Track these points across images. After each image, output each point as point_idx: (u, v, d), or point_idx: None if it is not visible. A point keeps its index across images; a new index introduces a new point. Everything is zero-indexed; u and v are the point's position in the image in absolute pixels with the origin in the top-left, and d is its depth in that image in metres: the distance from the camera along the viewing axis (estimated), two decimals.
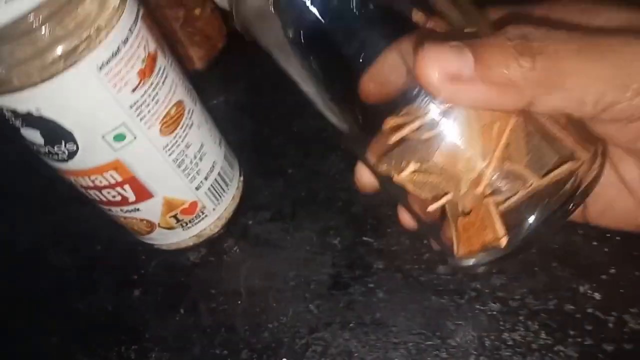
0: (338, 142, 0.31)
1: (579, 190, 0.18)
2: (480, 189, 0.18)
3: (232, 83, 0.43)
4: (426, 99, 0.18)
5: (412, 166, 0.19)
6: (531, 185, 0.18)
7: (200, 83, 0.41)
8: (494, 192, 0.18)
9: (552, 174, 0.18)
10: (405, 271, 0.29)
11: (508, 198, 0.18)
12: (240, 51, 0.41)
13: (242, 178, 0.33)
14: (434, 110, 0.18)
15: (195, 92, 0.29)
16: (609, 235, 0.27)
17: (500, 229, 0.18)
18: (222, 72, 0.43)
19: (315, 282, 0.30)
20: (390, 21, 0.20)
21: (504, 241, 0.18)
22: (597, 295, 0.26)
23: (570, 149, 0.18)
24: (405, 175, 0.19)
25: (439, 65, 0.16)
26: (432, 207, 0.19)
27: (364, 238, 0.31)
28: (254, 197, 0.34)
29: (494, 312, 0.27)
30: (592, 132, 0.20)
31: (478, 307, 0.27)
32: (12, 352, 0.32)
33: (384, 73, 0.19)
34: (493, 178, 0.18)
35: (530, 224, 0.18)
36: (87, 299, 0.33)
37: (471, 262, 0.20)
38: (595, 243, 0.27)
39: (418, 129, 0.18)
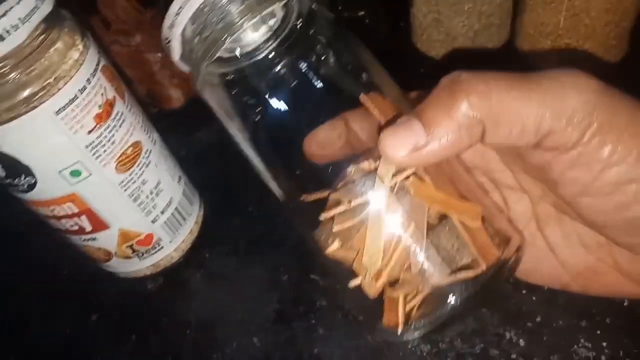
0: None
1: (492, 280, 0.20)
2: (379, 283, 0.20)
3: (207, 122, 0.45)
4: (357, 183, 0.20)
5: (335, 244, 0.21)
6: (433, 282, 0.20)
7: (177, 122, 0.44)
8: (396, 286, 0.20)
9: (455, 276, 0.20)
10: (345, 310, 0.30)
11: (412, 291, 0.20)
12: None
13: (202, 213, 0.35)
14: (359, 197, 0.20)
15: (155, 132, 0.31)
16: (537, 285, 0.28)
17: (398, 316, 0.20)
18: (199, 111, 0.45)
19: (261, 317, 0.31)
20: (322, 99, 0.22)
21: (399, 329, 0.20)
22: (521, 342, 0.27)
23: (474, 256, 0.20)
24: (330, 251, 0.21)
25: (398, 146, 0.18)
26: (350, 284, 0.21)
27: (311, 276, 0.32)
28: (213, 232, 0.36)
29: (424, 353, 0.28)
30: (506, 232, 0.21)
31: (410, 347, 0.28)
32: None
33: (325, 136, 0.22)
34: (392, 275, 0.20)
35: (449, 305, 0.20)
36: (48, 324, 0.34)
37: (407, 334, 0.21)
38: (524, 291, 0.29)
39: (344, 212, 0.20)
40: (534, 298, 0.29)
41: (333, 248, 0.21)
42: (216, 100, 0.22)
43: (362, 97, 0.21)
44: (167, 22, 0.19)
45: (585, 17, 0.33)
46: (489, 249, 0.20)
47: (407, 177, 0.20)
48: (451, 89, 0.18)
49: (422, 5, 0.38)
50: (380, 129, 0.19)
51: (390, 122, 0.19)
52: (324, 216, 0.21)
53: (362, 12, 0.47)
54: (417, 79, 0.41)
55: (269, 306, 0.32)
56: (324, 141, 0.22)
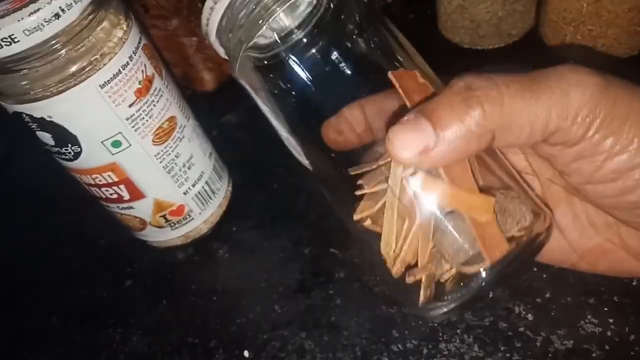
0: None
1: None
2: (396, 268, 0.21)
3: (237, 105, 0.47)
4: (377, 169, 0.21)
5: (365, 212, 0.22)
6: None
7: (209, 103, 0.46)
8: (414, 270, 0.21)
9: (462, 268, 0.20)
10: (362, 281, 0.32)
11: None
12: None
13: (230, 188, 0.37)
14: (379, 184, 0.21)
15: (189, 110, 0.33)
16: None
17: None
18: (230, 94, 0.48)
19: (283, 286, 0.33)
20: (355, 82, 0.23)
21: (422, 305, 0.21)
22: (529, 316, 0.28)
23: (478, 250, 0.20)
24: (357, 217, 0.22)
25: (406, 146, 0.18)
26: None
27: (331, 249, 0.34)
28: (240, 207, 0.38)
29: (435, 325, 0.29)
30: (537, 208, 0.22)
31: (422, 319, 0.30)
32: (20, 327, 0.36)
33: (342, 124, 0.22)
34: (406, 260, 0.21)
35: (476, 283, 0.20)
36: (87, 287, 0.37)
37: (433, 311, 0.21)
38: (535, 269, 0.30)
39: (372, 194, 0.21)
40: (544, 275, 0.30)
41: (362, 214, 0.22)
42: (253, 84, 0.23)
43: (390, 74, 0.21)
44: (207, 6, 0.20)
45: (609, 3, 0.34)
46: (498, 243, 0.20)
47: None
48: (465, 95, 0.18)
49: None
50: (394, 118, 0.19)
51: (414, 107, 0.19)
52: (358, 192, 0.22)
53: (389, 0, 0.48)
54: (443, 66, 0.42)
55: (291, 277, 0.33)
56: (339, 127, 0.23)
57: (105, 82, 0.26)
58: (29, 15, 0.23)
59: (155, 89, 0.29)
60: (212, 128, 0.40)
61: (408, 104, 0.20)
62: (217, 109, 0.46)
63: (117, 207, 0.32)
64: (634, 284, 0.28)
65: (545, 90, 0.18)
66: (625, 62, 0.37)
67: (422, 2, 0.46)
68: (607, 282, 0.28)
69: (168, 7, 0.42)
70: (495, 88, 0.18)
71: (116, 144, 0.28)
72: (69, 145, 0.28)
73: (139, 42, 0.28)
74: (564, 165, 0.20)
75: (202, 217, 0.35)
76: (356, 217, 0.22)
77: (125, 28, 0.27)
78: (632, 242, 0.23)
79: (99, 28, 0.26)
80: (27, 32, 0.23)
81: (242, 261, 0.36)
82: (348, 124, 0.23)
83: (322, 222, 0.36)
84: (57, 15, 0.24)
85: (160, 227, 0.34)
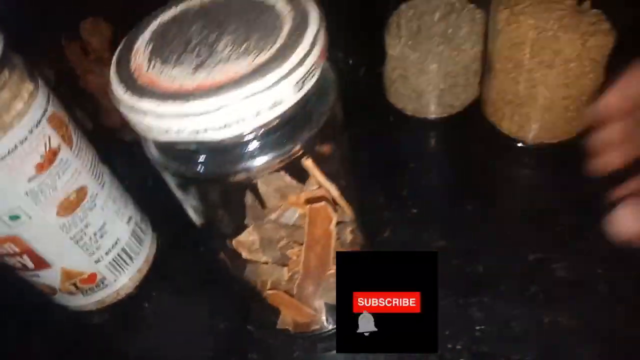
0: None
1: None
2: None
3: None
4: None
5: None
6: None
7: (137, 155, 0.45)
8: None
9: None
10: None
11: None
12: None
13: (154, 250, 0.36)
14: None
15: (107, 173, 0.32)
16: None
17: None
18: None
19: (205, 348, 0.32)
20: None
21: None
22: None
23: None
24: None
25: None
26: None
27: (248, 327, 0.33)
28: (165, 269, 0.36)
29: None
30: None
31: None
32: None
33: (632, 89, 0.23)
34: None
35: None
36: None
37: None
38: None
39: None
40: None
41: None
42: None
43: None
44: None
45: (544, 89, 0.33)
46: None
47: None
48: None
49: (390, 60, 0.39)
50: None
51: None
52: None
53: (344, 55, 0.48)
54: (386, 128, 0.41)
55: (202, 353, 0.32)
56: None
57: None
58: None
59: (61, 160, 0.28)
60: (148, 178, 0.38)
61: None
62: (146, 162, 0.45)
63: (24, 274, 0.31)
64: None
65: None
66: (562, 145, 0.36)
67: (375, 61, 0.46)
68: None
69: (106, 52, 0.41)
70: None
71: (14, 217, 0.27)
72: None
73: (44, 113, 0.27)
74: None
75: (118, 284, 0.34)
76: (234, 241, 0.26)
77: (26, 98, 0.26)
78: None
79: None
80: None
81: (157, 329, 0.34)
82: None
83: (249, 292, 0.34)
84: None
85: (71, 293, 0.32)
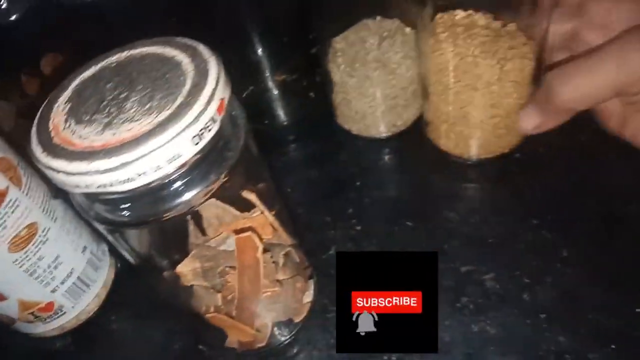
0: None
1: None
2: None
3: None
4: None
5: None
6: None
7: None
8: None
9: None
10: None
11: None
12: None
13: (112, 276, 0.38)
14: None
15: (60, 208, 0.33)
16: None
17: None
18: None
19: None
20: None
21: None
22: None
23: None
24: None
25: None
26: None
27: (199, 347, 0.34)
28: (123, 293, 0.38)
29: None
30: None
31: None
32: None
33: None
34: None
35: None
36: None
37: None
38: None
39: None
40: None
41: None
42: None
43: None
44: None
45: (473, 109, 0.35)
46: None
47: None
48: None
49: (334, 85, 0.41)
50: None
51: None
52: None
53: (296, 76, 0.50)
54: (335, 147, 0.43)
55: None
56: None
57: None
58: None
59: (10, 200, 0.29)
60: None
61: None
62: None
63: None
64: None
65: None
66: (499, 159, 0.38)
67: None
68: None
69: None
70: None
71: None
72: None
73: None
74: None
75: (76, 310, 0.35)
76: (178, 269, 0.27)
77: None
78: None
79: None
80: None
81: (116, 353, 0.36)
82: None
83: (195, 315, 0.36)
84: None
85: (30, 322, 0.34)
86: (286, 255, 0.30)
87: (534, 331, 0.30)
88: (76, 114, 0.21)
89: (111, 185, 0.19)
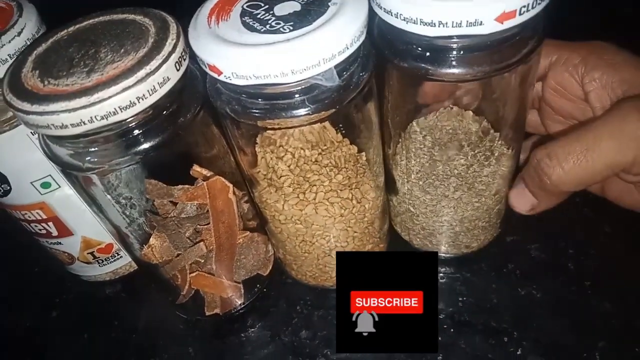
0: None
1: None
2: None
3: None
4: None
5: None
6: None
7: None
8: None
9: None
10: None
11: None
12: None
13: None
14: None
15: None
16: None
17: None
18: None
19: (200, 330, 0.35)
20: None
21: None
22: None
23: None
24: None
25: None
26: None
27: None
28: None
29: None
30: None
31: None
32: None
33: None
34: None
35: None
36: (12, 315, 0.38)
37: None
38: None
39: None
40: None
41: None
42: None
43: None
44: None
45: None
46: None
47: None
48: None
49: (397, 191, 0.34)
50: None
51: None
52: None
53: None
54: None
55: (208, 321, 0.35)
56: None
57: None
58: None
59: None
60: None
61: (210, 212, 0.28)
62: None
63: (46, 241, 0.34)
64: None
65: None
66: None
67: None
68: None
69: None
70: None
71: (45, 185, 0.30)
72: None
73: None
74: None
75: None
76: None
77: None
78: None
79: None
80: None
81: (164, 302, 0.37)
82: None
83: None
84: (3, 61, 0.26)
85: (88, 262, 0.35)
86: (248, 202, 0.31)
87: (579, 297, 0.32)
88: (50, 73, 0.22)
89: (115, 113, 0.20)
